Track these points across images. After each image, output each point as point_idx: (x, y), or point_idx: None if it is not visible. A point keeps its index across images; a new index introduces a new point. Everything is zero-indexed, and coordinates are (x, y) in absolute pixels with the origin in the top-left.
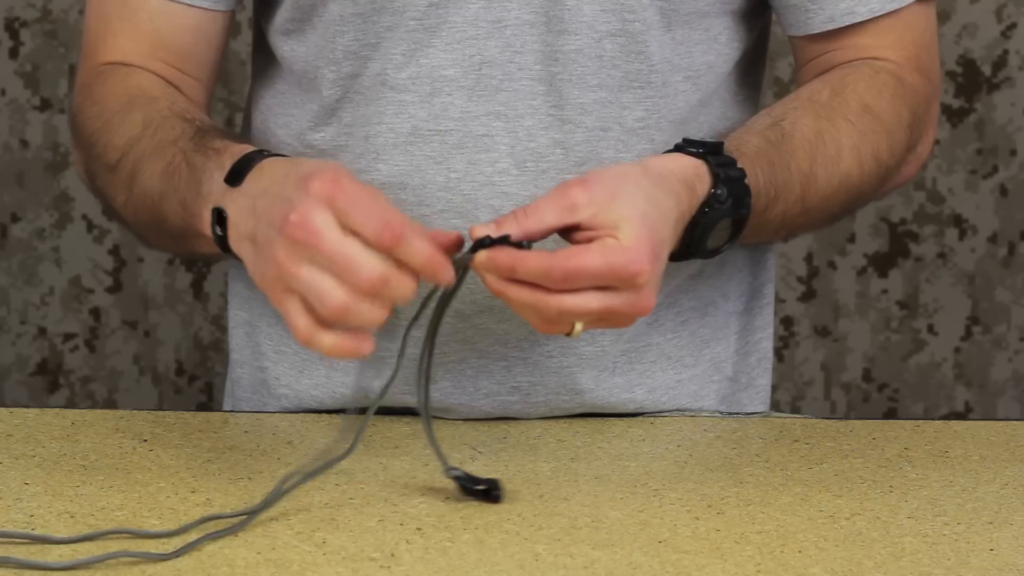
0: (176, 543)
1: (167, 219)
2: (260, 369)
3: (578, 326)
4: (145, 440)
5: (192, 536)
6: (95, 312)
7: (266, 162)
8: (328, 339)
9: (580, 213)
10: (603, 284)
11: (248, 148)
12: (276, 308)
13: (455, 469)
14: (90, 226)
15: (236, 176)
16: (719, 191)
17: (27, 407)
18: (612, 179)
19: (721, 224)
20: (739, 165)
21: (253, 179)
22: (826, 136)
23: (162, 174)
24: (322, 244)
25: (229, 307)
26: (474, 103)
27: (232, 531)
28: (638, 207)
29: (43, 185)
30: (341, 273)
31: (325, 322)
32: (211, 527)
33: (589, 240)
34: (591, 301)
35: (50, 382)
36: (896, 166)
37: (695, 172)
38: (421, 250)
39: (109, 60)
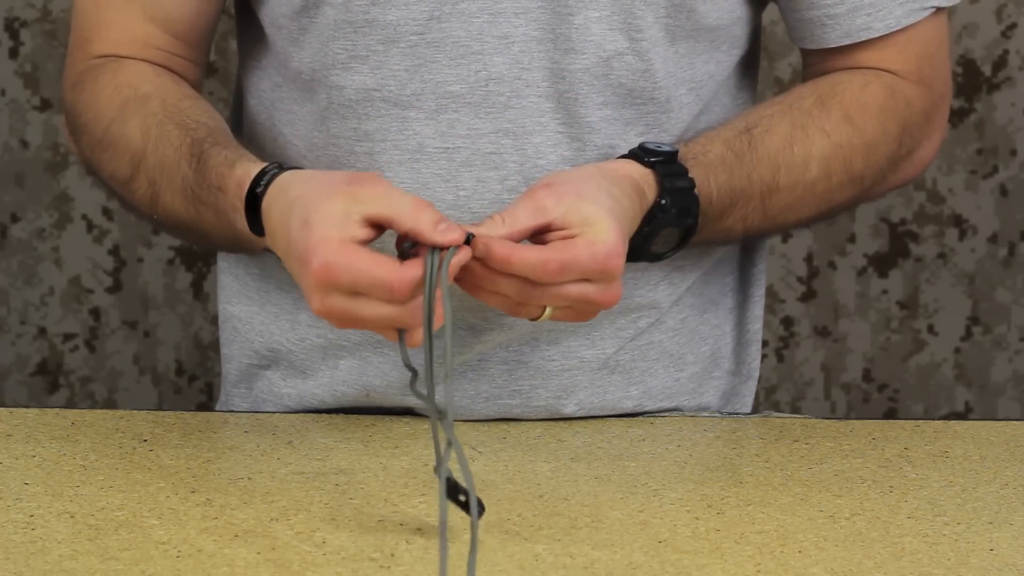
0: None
1: (210, 238)
2: (257, 367)
3: (548, 310)
4: (145, 440)
5: (193, 535)
6: (95, 312)
7: (272, 213)
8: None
9: (551, 213)
10: (587, 277)
11: (245, 181)
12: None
13: (449, 473)
14: (90, 226)
15: (255, 226)
16: (664, 201)
17: (27, 407)
18: (575, 180)
19: (667, 232)
20: (691, 175)
21: (270, 236)
22: (796, 146)
23: (184, 204)
24: (346, 319)
25: (219, 300)
26: (481, 120)
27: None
28: (604, 203)
29: (43, 185)
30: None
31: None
32: None
33: (564, 239)
34: (572, 289)
35: (50, 382)
36: (875, 176)
37: (644, 179)
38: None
39: (101, 53)
